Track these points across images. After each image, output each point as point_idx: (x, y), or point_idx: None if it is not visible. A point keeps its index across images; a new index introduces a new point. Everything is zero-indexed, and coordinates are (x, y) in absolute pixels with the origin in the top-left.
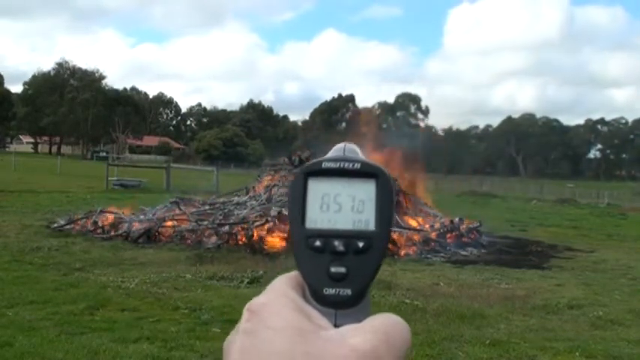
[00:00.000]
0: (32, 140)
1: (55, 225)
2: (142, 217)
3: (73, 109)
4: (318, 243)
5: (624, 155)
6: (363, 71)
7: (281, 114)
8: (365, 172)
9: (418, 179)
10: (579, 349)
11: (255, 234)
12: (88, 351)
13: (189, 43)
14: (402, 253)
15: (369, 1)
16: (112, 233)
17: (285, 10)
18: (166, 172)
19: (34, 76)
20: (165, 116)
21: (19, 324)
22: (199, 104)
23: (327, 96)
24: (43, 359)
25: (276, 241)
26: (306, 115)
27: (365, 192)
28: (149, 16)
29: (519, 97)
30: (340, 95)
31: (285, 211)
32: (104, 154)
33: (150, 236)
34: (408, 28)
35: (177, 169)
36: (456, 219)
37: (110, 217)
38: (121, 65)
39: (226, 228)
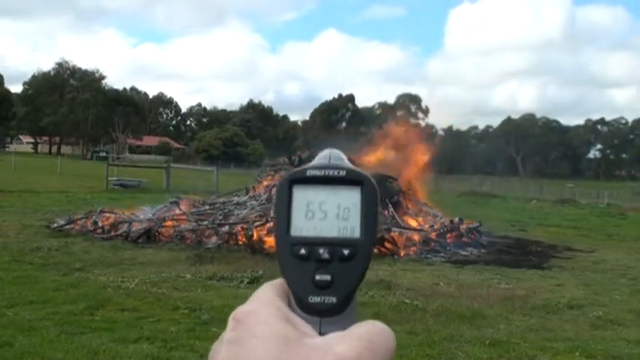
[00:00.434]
0: (32, 140)
1: (55, 225)
2: (141, 217)
3: (73, 109)
4: (303, 251)
5: (624, 155)
6: (364, 71)
7: (281, 114)
8: (350, 179)
9: (426, 180)
10: (579, 349)
11: (255, 234)
12: (88, 351)
13: (190, 43)
14: (402, 253)
15: (370, 1)
16: (112, 233)
17: (287, 11)
18: (166, 172)
19: (33, 76)
20: (165, 116)
21: (19, 324)
22: (199, 104)
23: (328, 96)
24: (43, 359)
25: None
26: (306, 115)
27: (350, 199)
28: (151, 16)
29: (520, 97)
30: (340, 95)
31: None
32: (104, 154)
33: (150, 236)
34: (409, 29)
35: (177, 169)
36: (456, 219)
37: (111, 217)
38: (123, 65)
39: (226, 228)
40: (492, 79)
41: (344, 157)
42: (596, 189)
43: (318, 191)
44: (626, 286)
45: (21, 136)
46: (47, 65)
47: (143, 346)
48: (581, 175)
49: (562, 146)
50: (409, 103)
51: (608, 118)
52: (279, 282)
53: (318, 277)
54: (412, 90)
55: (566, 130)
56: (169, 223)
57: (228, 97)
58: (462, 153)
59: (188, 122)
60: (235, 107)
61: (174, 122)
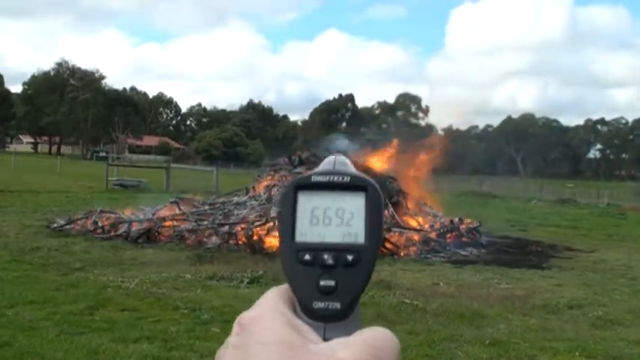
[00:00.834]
0: (32, 140)
1: (55, 225)
2: (141, 217)
3: (73, 109)
4: (307, 257)
5: (624, 155)
6: (365, 71)
7: (281, 114)
8: (354, 185)
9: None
10: (579, 349)
11: (255, 234)
12: (88, 351)
13: (191, 43)
14: (402, 253)
15: (371, 0)
16: (112, 233)
17: (288, 11)
18: (166, 172)
19: (33, 76)
20: (165, 116)
21: (19, 324)
22: (199, 104)
23: (328, 96)
24: (42, 359)
25: (275, 241)
26: (306, 115)
27: (354, 205)
28: (152, 16)
29: (520, 97)
30: (340, 95)
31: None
32: (104, 154)
33: (150, 236)
34: (410, 28)
35: (177, 169)
36: (456, 219)
37: (111, 217)
38: (124, 65)
39: (226, 228)
40: (492, 79)
41: (349, 162)
42: (596, 189)
43: (323, 197)
44: (626, 286)
45: (21, 136)
46: (48, 65)
47: (143, 346)
48: (581, 175)
49: (562, 146)
50: (409, 102)
51: (608, 118)
52: (284, 287)
53: (322, 283)
54: (413, 90)
55: (566, 130)
56: (169, 223)
57: (228, 97)
58: (461, 153)
59: (188, 122)
60: (235, 107)
61: (174, 122)
